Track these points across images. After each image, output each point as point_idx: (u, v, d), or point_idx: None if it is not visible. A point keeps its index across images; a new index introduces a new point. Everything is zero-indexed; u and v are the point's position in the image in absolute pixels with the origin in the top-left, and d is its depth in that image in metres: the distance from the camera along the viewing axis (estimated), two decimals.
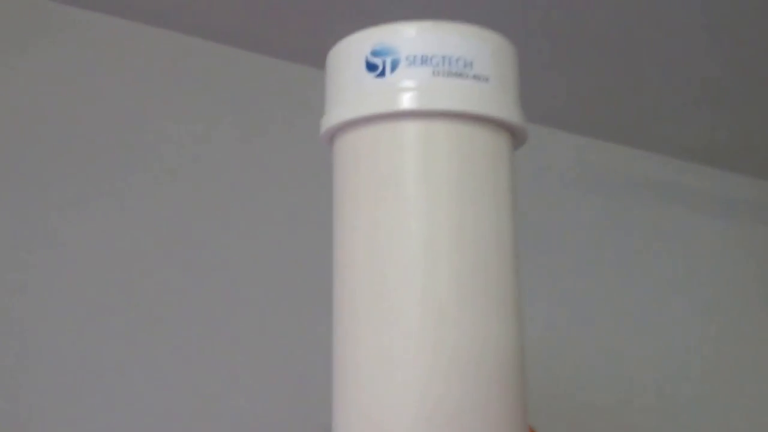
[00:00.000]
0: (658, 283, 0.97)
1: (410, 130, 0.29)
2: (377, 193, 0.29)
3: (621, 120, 0.96)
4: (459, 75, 0.29)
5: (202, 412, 0.65)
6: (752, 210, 1.09)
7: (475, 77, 0.30)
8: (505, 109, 0.30)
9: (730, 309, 1.02)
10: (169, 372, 0.65)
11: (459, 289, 0.28)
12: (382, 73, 0.30)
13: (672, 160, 1.04)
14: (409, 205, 0.28)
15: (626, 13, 0.72)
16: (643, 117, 0.94)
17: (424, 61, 0.29)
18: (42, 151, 0.65)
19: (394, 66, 0.29)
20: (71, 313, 0.62)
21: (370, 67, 0.30)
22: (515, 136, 0.31)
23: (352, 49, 0.30)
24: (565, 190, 0.93)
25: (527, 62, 0.78)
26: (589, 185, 0.96)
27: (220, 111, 0.74)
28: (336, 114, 0.30)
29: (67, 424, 0.60)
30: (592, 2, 0.70)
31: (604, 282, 0.93)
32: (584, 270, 0.92)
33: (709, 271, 1.02)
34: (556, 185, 0.93)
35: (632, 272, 0.96)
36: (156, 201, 0.68)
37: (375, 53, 0.30)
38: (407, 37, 0.29)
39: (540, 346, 0.86)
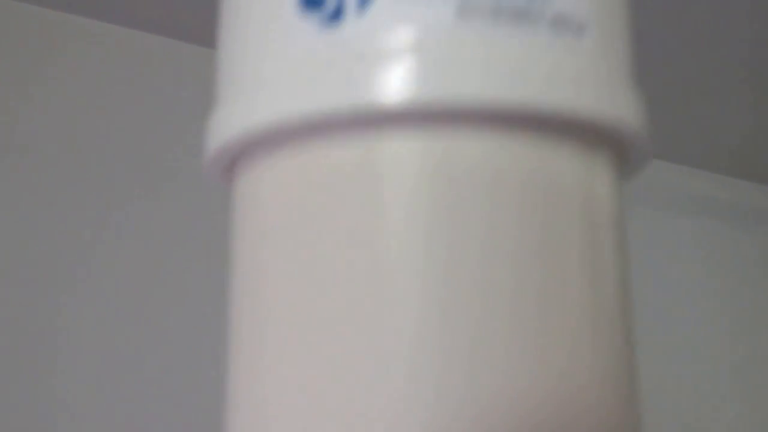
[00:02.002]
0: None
1: (403, 156, 0.12)
2: (327, 291, 0.12)
3: None
4: (520, 16, 0.12)
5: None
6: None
7: (558, 22, 0.12)
8: (622, 97, 0.13)
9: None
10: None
11: None
12: (337, 16, 0.12)
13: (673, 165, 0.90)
14: (404, 318, 0.11)
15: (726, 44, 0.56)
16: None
17: None
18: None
19: None
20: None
21: (309, 1, 0.13)
22: (629, 148, 0.15)
23: None
24: None
25: None
26: None
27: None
28: (236, 117, 0.13)
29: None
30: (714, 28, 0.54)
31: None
32: None
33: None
34: None
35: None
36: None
37: None
38: None
39: None
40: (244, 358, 0.13)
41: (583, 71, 0.12)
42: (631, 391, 0.13)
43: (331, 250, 0.12)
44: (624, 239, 0.14)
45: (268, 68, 0.13)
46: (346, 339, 0.11)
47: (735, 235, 1.00)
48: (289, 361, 0.12)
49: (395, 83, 0.12)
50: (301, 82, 0.12)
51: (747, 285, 0.98)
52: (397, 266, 0.12)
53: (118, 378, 0.60)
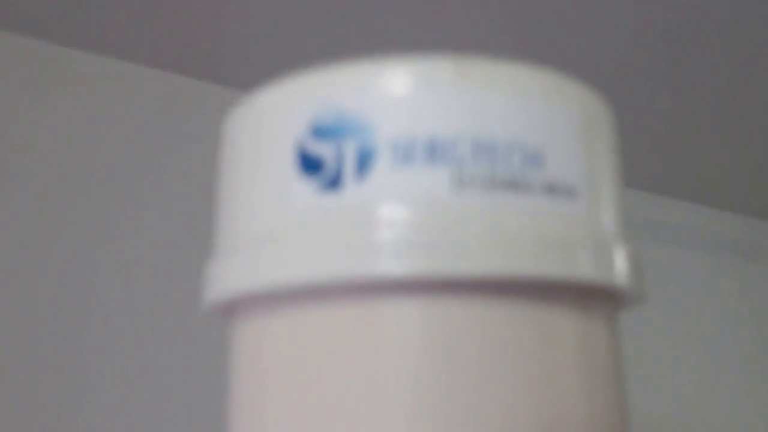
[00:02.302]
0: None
1: (404, 322, 0.12)
2: None
3: None
4: (513, 185, 0.13)
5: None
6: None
7: (550, 189, 0.13)
8: (613, 257, 0.13)
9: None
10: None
11: None
12: (336, 183, 0.13)
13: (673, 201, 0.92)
14: None
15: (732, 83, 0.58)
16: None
17: (435, 151, 0.12)
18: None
19: (364, 164, 0.13)
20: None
21: (309, 165, 0.13)
22: (623, 300, 0.15)
23: (270, 120, 0.14)
24: None
25: None
26: None
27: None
28: (236, 273, 0.13)
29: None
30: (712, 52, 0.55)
31: None
32: None
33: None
34: None
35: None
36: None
37: (319, 132, 0.13)
38: (393, 91, 0.13)
39: None
40: None
41: (575, 235, 0.13)
42: None
43: (331, 412, 0.12)
44: (621, 378, 0.14)
45: (267, 227, 0.13)
46: None
47: (756, 272, 1.00)
48: None
49: (395, 254, 0.12)
50: (300, 246, 0.12)
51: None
52: (397, 428, 0.12)
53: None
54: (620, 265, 0.13)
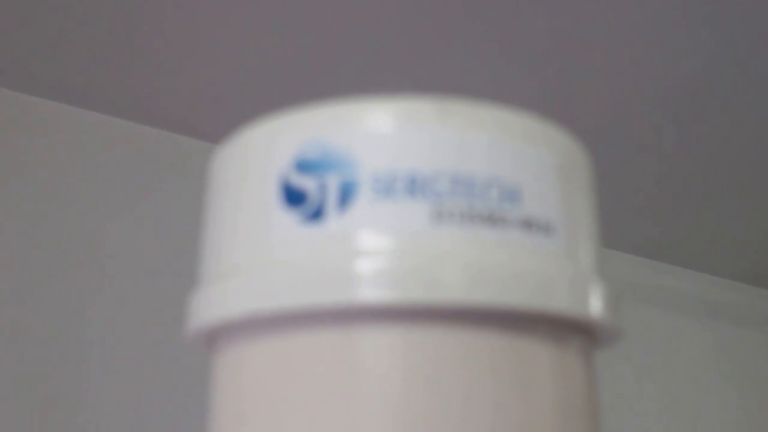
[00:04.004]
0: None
1: (381, 349, 0.12)
2: None
3: None
4: (491, 220, 0.13)
5: None
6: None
7: (526, 225, 0.13)
8: (588, 292, 0.14)
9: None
10: None
11: None
12: (318, 214, 0.13)
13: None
14: None
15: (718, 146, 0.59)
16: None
17: (415, 186, 0.13)
18: None
19: (346, 197, 0.13)
20: None
21: (292, 197, 0.13)
22: (598, 336, 0.15)
23: (255, 155, 0.14)
24: None
25: None
26: None
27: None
28: (219, 301, 0.14)
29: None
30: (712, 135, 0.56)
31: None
32: None
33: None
34: None
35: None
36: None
37: (302, 166, 0.13)
38: (375, 129, 0.13)
39: None
40: None
41: (551, 269, 0.13)
42: None
43: None
44: (596, 412, 0.14)
45: (250, 256, 0.13)
46: None
47: (747, 338, 1.00)
48: None
49: (374, 283, 0.12)
50: (281, 274, 0.13)
51: (758, 385, 0.98)
52: None
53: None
54: (595, 300, 0.14)
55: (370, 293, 0.12)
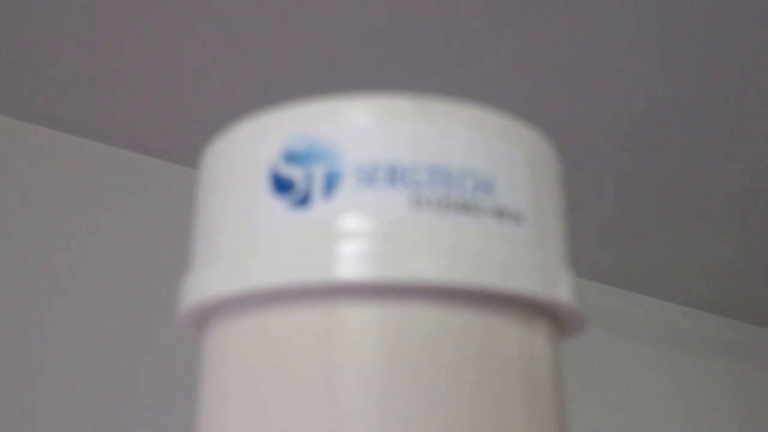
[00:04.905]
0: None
1: (360, 325, 0.13)
2: None
3: None
4: (465, 208, 0.14)
5: None
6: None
7: (498, 213, 0.14)
8: (556, 278, 0.15)
9: None
10: None
11: None
12: (305, 201, 0.14)
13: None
14: None
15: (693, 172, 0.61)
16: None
17: (395, 175, 0.14)
18: None
19: (331, 185, 0.14)
20: None
21: (281, 185, 0.14)
22: (565, 322, 0.16)
23: (245, 148, 0.15)
24: None
25: None
26: None
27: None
28: (209, 281, 0.14)
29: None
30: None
31: None
32: None
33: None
34: None
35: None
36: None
37: (290, 157, 0.14)
38: (358, 123, 0.14)
39: None
40: None
41: (520, 254, 0.14)
42: None
43: (291, 411, 0.13)
44: (561, 393, 0.15)
45: (241, 240, 0.14)
46: None
47: (704, 365, 1.02)
48: None
49: (354, 262, 0.13)
50: (270, 255, 0.14)
51: (716, 411, 0.99)
52: (355, 425, 0.13)
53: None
54: (562, 286, 0.15)
55: (352, 271, 0.13)
